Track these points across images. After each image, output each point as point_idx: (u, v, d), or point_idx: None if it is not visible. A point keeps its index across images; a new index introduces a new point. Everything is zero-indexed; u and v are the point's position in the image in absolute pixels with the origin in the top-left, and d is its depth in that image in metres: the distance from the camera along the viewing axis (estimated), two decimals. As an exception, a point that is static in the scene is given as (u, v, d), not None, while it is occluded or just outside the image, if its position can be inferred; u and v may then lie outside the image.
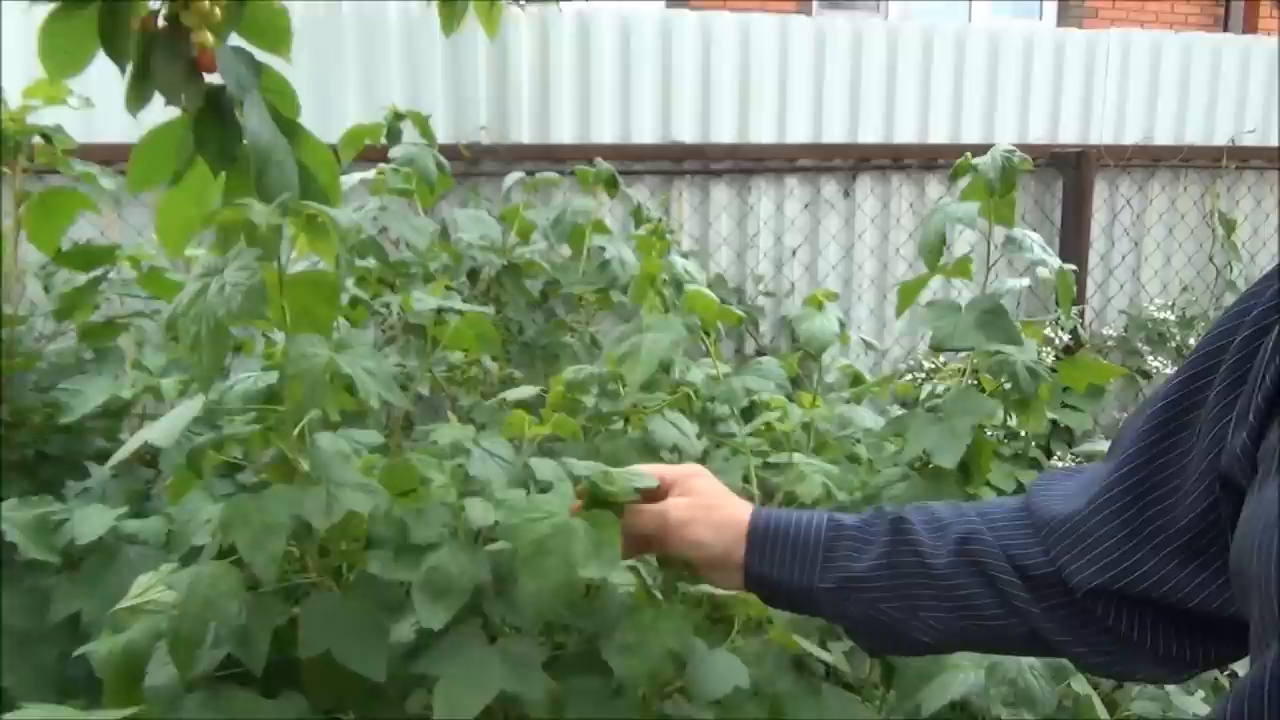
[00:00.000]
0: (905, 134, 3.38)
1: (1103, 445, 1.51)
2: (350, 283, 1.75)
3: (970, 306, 1.31)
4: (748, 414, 1.47)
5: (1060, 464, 2.86)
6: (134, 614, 0.80)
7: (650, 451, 1.28)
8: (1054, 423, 3.09)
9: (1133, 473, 0.66)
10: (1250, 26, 7.00)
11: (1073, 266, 1.42)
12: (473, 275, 2.15)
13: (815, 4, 6.40)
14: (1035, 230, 1.81)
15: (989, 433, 1.43)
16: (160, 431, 0.86)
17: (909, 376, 2.56)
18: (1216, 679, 1.62)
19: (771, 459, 1.35)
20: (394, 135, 2.10)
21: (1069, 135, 3.54)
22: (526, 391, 1.51)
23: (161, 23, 0.92)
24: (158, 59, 0.93)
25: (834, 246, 3.37)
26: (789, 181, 3.28)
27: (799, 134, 3.27)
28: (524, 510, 0.83)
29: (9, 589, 1.14)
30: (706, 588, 0.93)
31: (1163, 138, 3.62)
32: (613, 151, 2.71)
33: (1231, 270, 3.68)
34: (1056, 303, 1.40)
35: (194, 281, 0.79)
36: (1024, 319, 1.50)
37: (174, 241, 1.04)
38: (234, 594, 0.76)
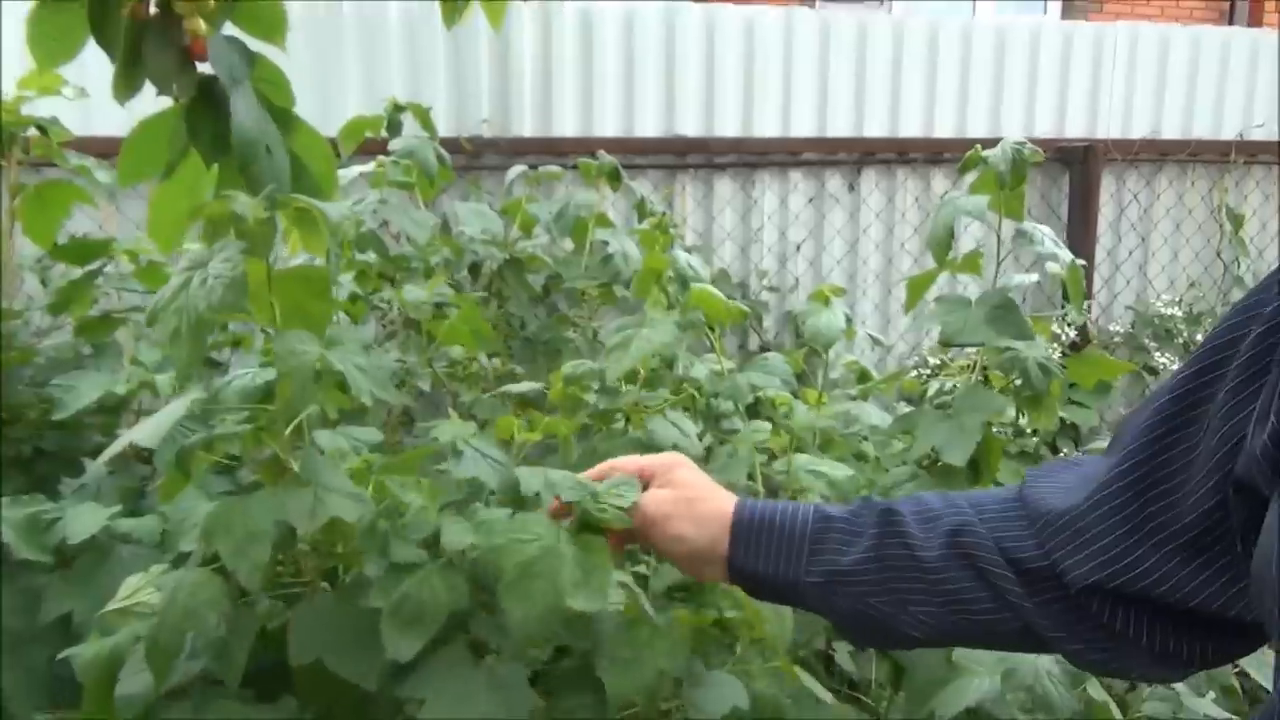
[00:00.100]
0: (910, 128, 3.35)
1: (1110, 443, 1.48)
2: (350, 277, 1.73)
3: (980, 301, 1.29)
4: (752, 411, 1.45)
5: (1067, 461, 2.83)
6: (122, 616, 0.78)
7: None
8: (1060, 420, 3.07)
9: (1135, 468, 0.65)
10: (1255, 21, 6.96)
11: (1081, 261, 1.40)
12: (474, 270, 2.13)
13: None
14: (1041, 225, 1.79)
15: (996, 430, 1.41)
16: (147, 431, 0.84)
17: (914, 373, 2.54)
18: (1229, 681, 1.60)
19: (778, 465, 1.33)
20: (394, 127, 2.08)
21: (1076, 129, 3.50)
22: (527, 387, 1.49)
23: (153, 10, 0.90)
24: (149, 47, 0.91)
25: (838, 241, 3.34)
26: (793, 175, 3.25)
27: (803, 128, 3.24)
28: (509, 530, 0.80)
29: (3, 588, 1.12)
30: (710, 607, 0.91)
31: (1170, 132, 3.58)
32: (615, 145, 2.69)
33: (1239, 266, 3.65)
34: (1064, 298, 1.38)
35: (178, 275, 0.77)
36: (1031, 315, 1.48)
37: (167, 236, 1.02)
38: (214, 604, 0.73)
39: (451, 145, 2.34)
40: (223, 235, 0.79)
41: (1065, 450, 3.01)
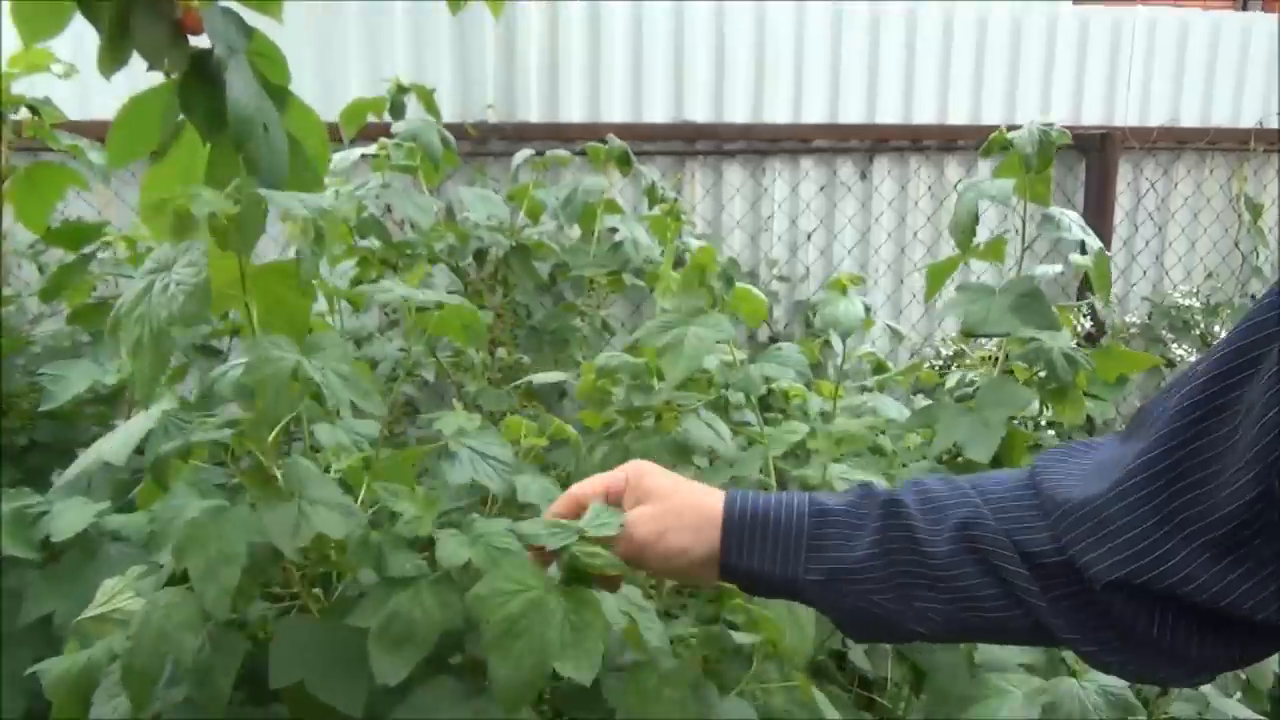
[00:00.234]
0: (924, 114, 3.29)
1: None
2: (351, 264, 1.69)
3: (1005, 290, 1.24)
4: (765, 402, 1.40)
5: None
6: (100, 623, 0.73)
7: (683, 453, 1.20)
8: (1076, 412, 3.02)
9: (1164, 455, 0.60)
10: (1271, 6, 6.87)
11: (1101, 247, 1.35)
12: (479, 256, 2.09)
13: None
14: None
15: (1017, 423, 1.37)
16: (114, 446, 0.79)
17: (927, 365, 2.49)
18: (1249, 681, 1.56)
19: (810, 470, 1.27)
20: (397, 109, 2.03)
21: (1092, 116, 3.44)
22: (549, 377, 1.42)
23: (142, -20, 0.86)
24: (138, 19, 0.86)
25: (850, 230, 3.29)
26: (804, 163, 3.20)
27: (815, 114, 3.19)
28: (491, 580, 0.71)
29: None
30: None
31: (1189, 119, 3.52)
32: (623, 131, 2.63)
33: (1258, 256, 3.59)
34: (1084, 287, 1.33)
35: (140, 279, 0.71)
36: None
37: (159, 222, 0.97)
38: (191, 626, 0.68)
39: (456, 131, 2.29)
40: (193, 231, 0.74)
41: (1080, 443, 2.96)
